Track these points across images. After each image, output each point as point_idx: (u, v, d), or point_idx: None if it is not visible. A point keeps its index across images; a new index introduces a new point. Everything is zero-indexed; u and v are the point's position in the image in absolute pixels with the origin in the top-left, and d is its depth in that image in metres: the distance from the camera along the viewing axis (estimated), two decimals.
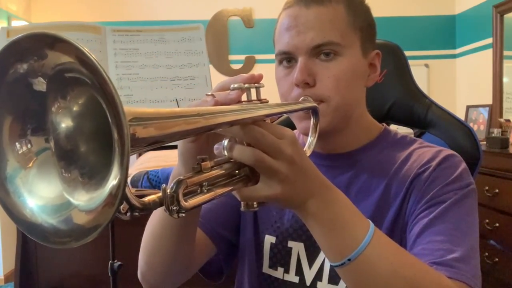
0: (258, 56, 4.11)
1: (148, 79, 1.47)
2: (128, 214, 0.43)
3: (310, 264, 0.81)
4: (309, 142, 0.76)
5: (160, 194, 0.47)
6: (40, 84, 0.41)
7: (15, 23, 3.66)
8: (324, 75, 0.76)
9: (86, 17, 3.97)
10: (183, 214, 0.49)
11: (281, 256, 0.85)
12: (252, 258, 0.88)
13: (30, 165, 0.42)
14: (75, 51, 0.37)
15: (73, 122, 0.42)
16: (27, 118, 0.42)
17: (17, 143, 0.42)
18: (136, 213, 0.43)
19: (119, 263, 1.45)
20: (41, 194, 0.42)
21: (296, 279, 0.82)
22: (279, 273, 0.84)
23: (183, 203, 0.49)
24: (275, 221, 0.86)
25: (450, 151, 0.80)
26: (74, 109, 0.42)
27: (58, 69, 0.39)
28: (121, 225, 1.86)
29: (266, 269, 0.86)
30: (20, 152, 0.42)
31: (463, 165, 0.78)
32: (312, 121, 0.76)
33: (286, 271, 0.84)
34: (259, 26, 4.11)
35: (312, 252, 0.81)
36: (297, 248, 0.83)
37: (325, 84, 0.76)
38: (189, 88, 1.49)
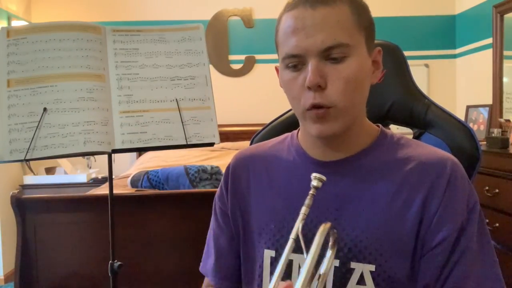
0: (258, 56, 4.11)
1: (148, 79, 1.47)
2: None
3: None
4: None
5: None
6: None
7: (15, 23, 3.66)
8: (335, 77, 0.75)
9: (86, 17, 3.97)
10: None
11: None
12: (253, 276, 0.87)
13: None
14: None
15: None
16: None
17: None
18: None
19: (119, 263, 1.45)
20: None
21: None
22: None
23: None
24: (274, 234, 0.84)
25: (451, 157, 0.80)
26: None
27: None
28: (121, 225, 1.86)
29: (267, 284, 0.84)
30: None
31: (465, 174, 0.79)
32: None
33: None
34: (259, 26, 4.11)
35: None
36: (298, 260, 0.81)
37: (336, 86, 0.75)
38: (189, 88, 1.49)
